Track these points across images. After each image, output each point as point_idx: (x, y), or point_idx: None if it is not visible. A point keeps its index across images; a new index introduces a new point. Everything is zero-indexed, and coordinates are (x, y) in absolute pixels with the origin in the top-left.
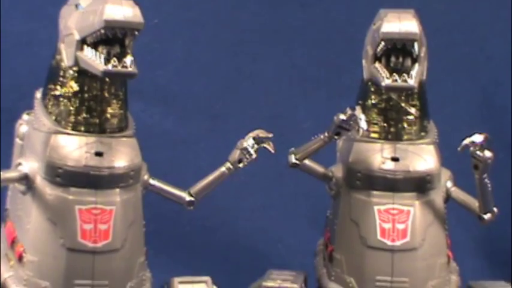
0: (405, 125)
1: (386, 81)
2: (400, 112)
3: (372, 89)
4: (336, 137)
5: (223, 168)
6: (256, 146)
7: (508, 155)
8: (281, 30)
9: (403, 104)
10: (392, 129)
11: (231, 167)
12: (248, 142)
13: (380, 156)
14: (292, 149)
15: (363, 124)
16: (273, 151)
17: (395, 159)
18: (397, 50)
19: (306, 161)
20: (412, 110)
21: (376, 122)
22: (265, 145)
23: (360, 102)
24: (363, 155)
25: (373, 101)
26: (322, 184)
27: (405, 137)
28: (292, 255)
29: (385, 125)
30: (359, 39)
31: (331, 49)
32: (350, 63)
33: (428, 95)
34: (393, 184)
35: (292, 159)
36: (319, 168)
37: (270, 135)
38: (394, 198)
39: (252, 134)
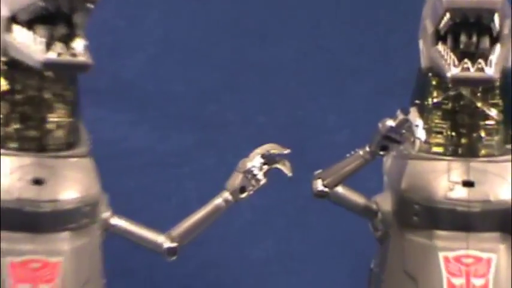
0: (483, 135)
1: (454, 71)
2: (475, 115)
3: (434, 83)
4: (381, 153)
5: (218, 200)
6: (266, 167)
7: None
8: (302, 1)
9: (479, 104)
10: (463, 141)
11: (230, 197)
12: (254, 162)
13: (446, 180)
14: (319, 171)
15: (421, 133)
16: (290, 174)
17: (469, 183)
18: (470, 26)
19: (339, 189)
20: (493, 113)
21: (440, 130)
22: (278, 166)
23: (417, 101)
24: (422, 178)
25: (435, 100)
26: (363, 222)
27: (483, 151)
28: None
29: (454, 134)
30: (413, 13)
31: (374, 27)
32: (401, 47)
33: None
34: (467, 220)
35: (319, 185)
36: (358, 199)
37: (286, 151)
38: (468, 241)
39: (259, 151)
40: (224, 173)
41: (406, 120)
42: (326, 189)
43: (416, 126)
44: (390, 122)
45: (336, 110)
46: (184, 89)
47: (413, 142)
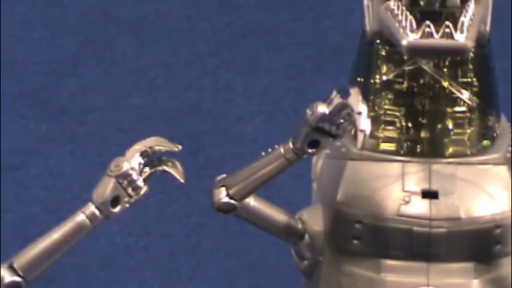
0: (450, 126)
1: (411, 37)
2: (440, 99)
3: (383, 54)
4: (310, 151)
5: (81, 217)
6: (147, 170)
7: None
8: None
9: (445, 84)
10: (424, 135)
11: (98, 212)
12: (132, 163)
13: (400, 189)
14: (223, 176)
15: (365, 124)
16: (182, 180)
17: (430, 194)
18: None
19: (251, 201)
20: (465, 95)
21: (391, 119)
22: (166, 168)
23: (359, 79)
24: (366, 186)
25: (384, 77)
26: (282, 247)
27: (450, 149)
28: None
29: (410, 125)
30: None
31: None
32: (334, 2)
33: (498, 65)
34: (427, 245)
35: (223, 196)
36: (277, 215)
37: (177, 148)
38: (429, 275)
39: (138, 147)
40: (87, 177)
41: (345, 106)
42: (233, 201)
43: (359, 113)
44: (322, 108)
45: (244, 90)
46: (25, 58)
47: (355, 136)
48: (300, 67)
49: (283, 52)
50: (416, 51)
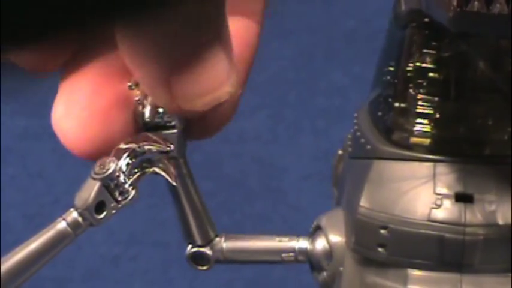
0: (489, 121)
1: (459, 9)
2: (481, 91)
3: (418, 39)
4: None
5: (61, 224)
6: (137, 172)
7: None
8: None
9: (486, 72)
10: (460, 130)
11: (80, 220)
12: (120, 163)
13: (431, 192)
14: None
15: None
16: (175, 183)
17: (465, 197)
18: None
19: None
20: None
21: (424, 111)
22: (157, 170)
23: (390, 68)
24: (392, 188)
25: (418, 64)
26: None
27: (488, 148)
28: None
29: (445, 119)
30: None
31: None
32: None
33: None
34: (460, 255)
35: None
36: (263, 243)
37: (168, 147)
38: (462, 287)
39: (126, 145)
40: (70, 178)
41: None
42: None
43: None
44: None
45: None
46: None
47: (388, 130)
48: (309, 55)
49: (290, 38)
50: (464, 25)
